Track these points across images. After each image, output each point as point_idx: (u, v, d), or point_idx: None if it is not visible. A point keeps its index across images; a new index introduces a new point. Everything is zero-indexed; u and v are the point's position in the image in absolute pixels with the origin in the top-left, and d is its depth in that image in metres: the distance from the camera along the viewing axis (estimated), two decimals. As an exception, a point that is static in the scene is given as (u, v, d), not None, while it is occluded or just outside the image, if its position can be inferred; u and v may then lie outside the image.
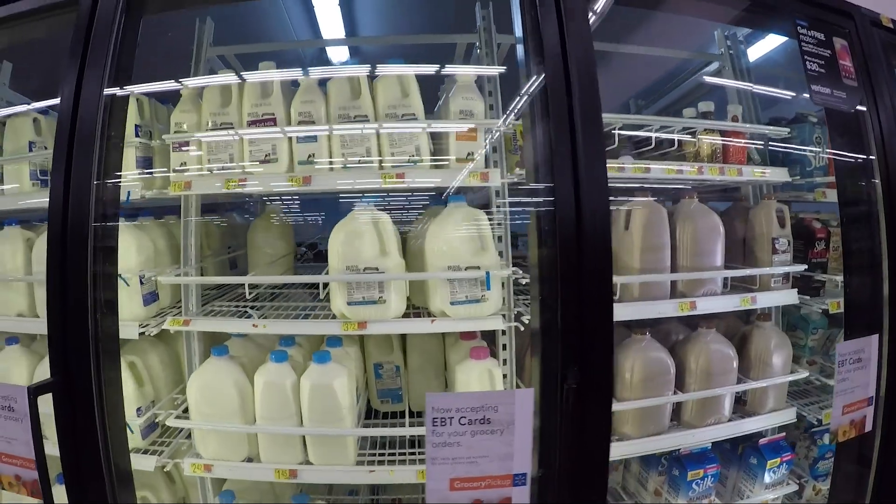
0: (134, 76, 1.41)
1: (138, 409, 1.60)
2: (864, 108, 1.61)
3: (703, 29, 2.15)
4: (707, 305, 1.66)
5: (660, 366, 1.63)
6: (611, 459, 1.61)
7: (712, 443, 1.89)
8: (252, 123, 1.58)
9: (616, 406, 1.57)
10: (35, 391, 1.15)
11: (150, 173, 1.67)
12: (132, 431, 1.56)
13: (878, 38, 1.73)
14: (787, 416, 1.81)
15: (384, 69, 1.58)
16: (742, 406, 1.83)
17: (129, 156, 1.62)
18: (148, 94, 1.74)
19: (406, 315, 1.59)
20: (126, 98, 1.37)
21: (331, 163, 1.57)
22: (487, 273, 1.48)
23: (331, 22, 2.59)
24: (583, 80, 1.20)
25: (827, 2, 1.67)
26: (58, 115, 1.25)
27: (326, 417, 1.51)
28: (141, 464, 1.56)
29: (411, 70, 1.57)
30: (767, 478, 1.78)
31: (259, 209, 2.26)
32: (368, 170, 1.55)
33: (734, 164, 1.78)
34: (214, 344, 1.62)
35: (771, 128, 1.84)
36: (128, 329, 1.53)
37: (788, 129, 1.85)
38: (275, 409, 1.52)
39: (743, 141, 1.80)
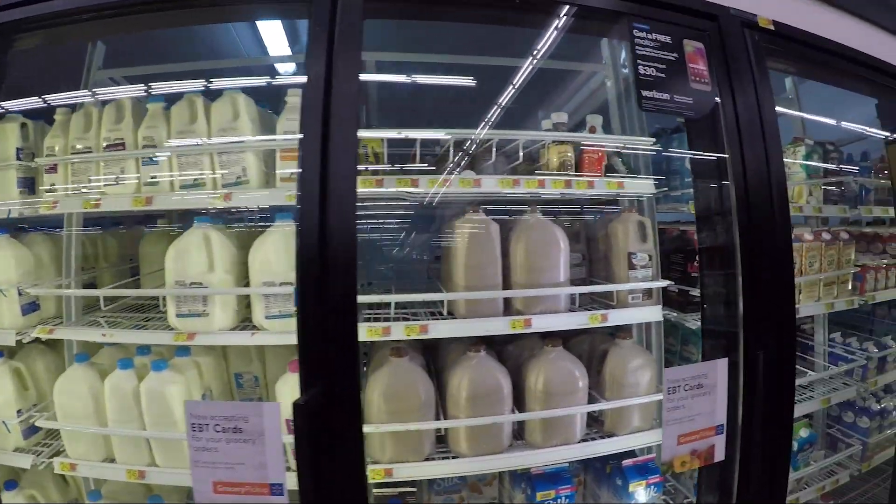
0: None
1: (18, 411, 1.77)
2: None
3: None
4: (545, 323, 1.58)
5: (490, 384, 1.57)
6: (439, 476, 1.61)
7: (582, 461, 1.82)
8: (107, 147, 1.70)
9: (439, 424, 1.54)
10: (305, 407, 1.07)
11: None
12: (9, 431, 1.73)
13: (751, 40, 1.56)
14: (654, 437, 1.68)
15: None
16: (602, 427, 1.72)
17: (11, 176, 1.79)
18: (34, 117, 1.89)
19: (247, 328, 1.65)
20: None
21: (171, 184, 1.66)
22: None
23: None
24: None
25: (687, 4, 1.53)
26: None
27: (162, 421, 1.60)
28: (18, 461, 1.71)
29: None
30: (632, 500, 1.67)
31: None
32: (201, 190, 1.62)
33: (587, 175, 1.68)
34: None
35: (632, 138, 1.71)
36: (5, 336, 1.70)
37: (654, 139, 1.72)
38: (122, 412, 1.63)
39: (600, 152, 1.68)
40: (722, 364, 1.38)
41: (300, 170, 1.18)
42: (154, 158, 1.65)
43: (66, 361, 1.87)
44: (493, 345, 1.89)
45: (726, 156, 1.44)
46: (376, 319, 1.57)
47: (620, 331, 1.74)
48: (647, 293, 1.71)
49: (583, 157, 1.69)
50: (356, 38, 1.22)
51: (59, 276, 1.90)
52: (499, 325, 1.55)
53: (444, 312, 1.59)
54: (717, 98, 1.46)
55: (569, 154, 1.67)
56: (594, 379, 1.74)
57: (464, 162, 1.73)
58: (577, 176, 1.63)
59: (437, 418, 1.57)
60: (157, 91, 1.71)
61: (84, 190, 1.70)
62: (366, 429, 1.48)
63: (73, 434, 1.70)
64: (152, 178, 1.66)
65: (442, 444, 1.63)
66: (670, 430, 1.34)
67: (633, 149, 1.82)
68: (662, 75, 1.45)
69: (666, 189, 1.80)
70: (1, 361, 1.76)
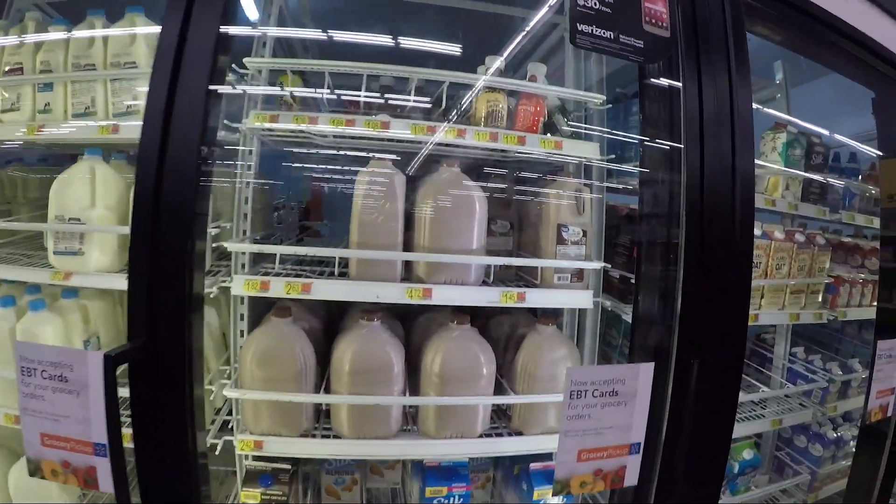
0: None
1: None
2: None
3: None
4: (447, 295, 1.37)
5: (378, 359, 1.35)
6: (313, 456, 1.43)
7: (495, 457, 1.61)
8: (7, 73, 1.58)
9: (294, 397, 1.32)
10: (115, 360, 0.92)
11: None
12: None
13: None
14: None
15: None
16: (510, 422, 1.51)
17: None
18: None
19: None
20: None
21: (64, 112, 1.52)
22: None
23: None
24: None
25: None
26: None
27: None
28: None
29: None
30: None
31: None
32: (91, 120, 1.48)
33: (518, 131, 1.47)
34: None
35: (578, 92, 1.50)
36: None
37: (603, 98, 1.51)
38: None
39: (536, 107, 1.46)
40: (646, 370, 1.09)
41: (147, 95, 1.02)
42: (48, 84, 1.52)
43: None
44: (408, 316, 1.71)
45: (680, 145, 1.18)
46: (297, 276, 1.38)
47: (545, 315, 1.53)
48: (578, 275, 1.49)
49: (518, 111, 1.48)
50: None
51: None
52: (392, 292, 1.35)
53: (336, 272, 1.41)
54: (676, 47, 1.24)
55: (500, 104, 1.45)
56: (507, 366, 1.54)
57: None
58: (504, 130, 1.43)
59: (319, 391, 1.40)
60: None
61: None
62: (229, 393, 1.33)
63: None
64: (46, 105, 1.54)
65: (327, 420, 1.44)
66: (568, 443, 1.07)
67: (578, 105, 1.60)
68: (608, 10, 1.23)
69: (617, 161, 1.57)
70: None
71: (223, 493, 1.66)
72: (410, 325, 1.65)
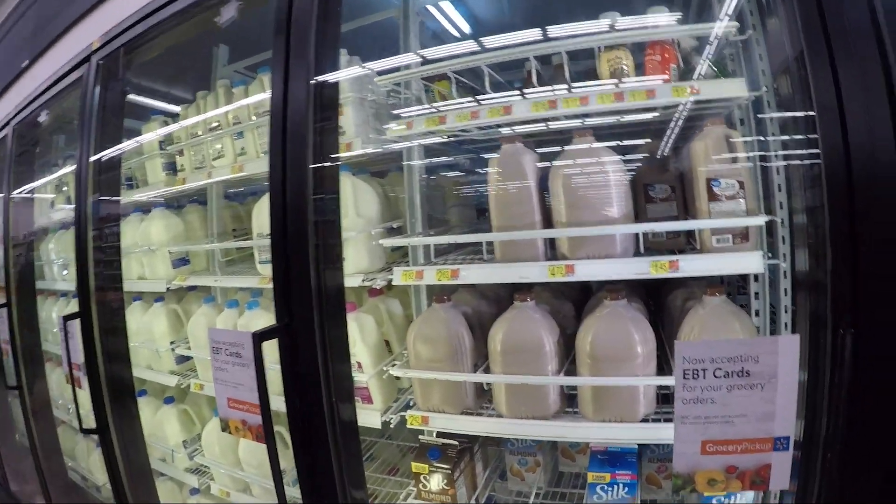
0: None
1: (171, 342, 2.20)
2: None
3: None
4: (591, 270, 1.28)
5: (529, 339, 1.33)
6: (473, 433, 1.47)
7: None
8: (210, 130, 1.98)
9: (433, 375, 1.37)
10: (260, 337, 1.12)
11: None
12: (160, 356, 2.17)
13: None
14: None
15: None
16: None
17: (157, 163, 2.23)
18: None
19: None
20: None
21: (256, 152, 1.85)
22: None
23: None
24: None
25: None
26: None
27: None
28: (167, 381, 2.11)
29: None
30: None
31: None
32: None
33: (640, 82, 1.28)
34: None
35: (706, 25, 1.25)
36: (159, 284, 2.14)
37: (737, 25, 1.22)
38: None
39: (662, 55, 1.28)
40: (788, 345, 0.85)
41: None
42: (240, 133, 1.87)
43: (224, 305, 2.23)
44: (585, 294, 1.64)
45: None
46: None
47: (710, 286, 1.32)
48: (742, 234, 1.25)
49: (646, 64, 1.31)
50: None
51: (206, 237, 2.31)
52: (535, 272, 1.30)
53: (485, 256, 1.42)
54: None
55: (622, 61, 1.31)
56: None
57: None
58: (629, 86, 1.27)
59: (477, 371, 1.43)
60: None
61: (200, 166, 2.03)
62: (395, 371, 1.45)
63: (202, 360, 2.04)
64: (242, 149, 1.89)
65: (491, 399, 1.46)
66: (687, 431, 0.88)
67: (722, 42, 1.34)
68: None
69: (771, 96, 1.28)
70: (160, 304, 2.22)
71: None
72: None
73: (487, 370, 1.40)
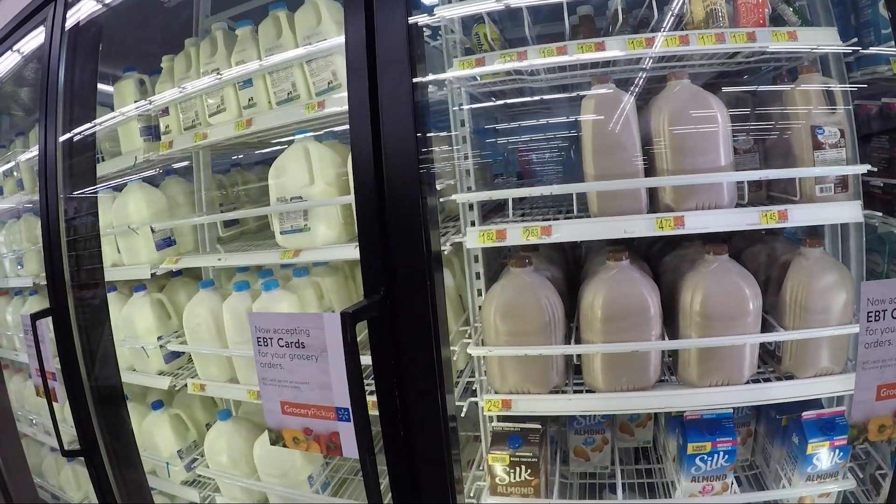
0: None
1: (159, 338, 1.80)
2: None
3: None
4: (701, 222, 1.14)
5: (632, 302, 1.17)
6: (563, 413, 1.30)
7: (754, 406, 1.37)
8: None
9: (543, 349, 1.19)
10: (353, 317, 0.85)
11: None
12: (147, 356, 1.79)
13: None
14: (847, 383, 1.16)
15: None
16: (779, 365, 1.24)
17: (134, 127, 1.82)
18: (153, 73, 1.86)
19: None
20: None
21: (268, 103, 1.52)
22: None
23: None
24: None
25: None
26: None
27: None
28: (158, 383, 1.74)
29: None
30: (809, 466, 1.18)
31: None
32: (295, 104, 1.46)
33: (745, 27, 1.18)
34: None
35: None
36: (141, 270, 1.75)
37: None
38: (239, 333, 1.54)
39: None
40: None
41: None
42: (247, 81, 1.54)
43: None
44: (651, 255, 1.51)
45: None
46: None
47: (809, 237, 1.23)
48: (842, 183, 1.18)
49: (739, 8, 1.20)
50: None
51: (190, 213, 1.93)
52: (640, 226, 1.15)
53: (575, 210, 1.23)
54: None
55: (717, 3, 1.19)
56: (771, 301, 1.26)
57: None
58: (730, 29, 1.15)
59: (569, 342, 1.25)
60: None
61: (192, 125, 1.67)
62: (474, 351, 1.24)
63: (201, 356, 1.68)
64: (250, 100, 1.55)
65: (578, 374, 1.29)
66: (867, 377, 0.82)
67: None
68: None
69: (856, 47, 1.23)
70: (142, 294, 1.82)
71: (464, 459, 1.61)
72: (656, 264, 1.43)
73: (578, 340, 1.23)
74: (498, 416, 1.36)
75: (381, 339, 0.94)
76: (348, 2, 0.99)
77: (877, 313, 0.80)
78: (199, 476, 1.80)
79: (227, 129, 1.56)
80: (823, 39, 1.18)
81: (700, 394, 1.20)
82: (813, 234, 1.29)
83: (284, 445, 0.99)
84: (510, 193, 1.26)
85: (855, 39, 1.23)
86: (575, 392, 1.26)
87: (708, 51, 1.19)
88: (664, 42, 1.15)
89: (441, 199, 1.29)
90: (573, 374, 1.31)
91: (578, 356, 1.24)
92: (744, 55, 1.29)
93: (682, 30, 1.23)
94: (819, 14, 1.33)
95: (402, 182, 0.95)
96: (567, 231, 1.17)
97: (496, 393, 1.27)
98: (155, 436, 1.82)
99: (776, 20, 1.27)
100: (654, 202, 1.20)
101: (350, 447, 0.91)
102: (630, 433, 1.59)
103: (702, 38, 1.15)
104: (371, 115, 0.96)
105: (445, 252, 1.29)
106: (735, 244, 1.44)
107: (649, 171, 1.19)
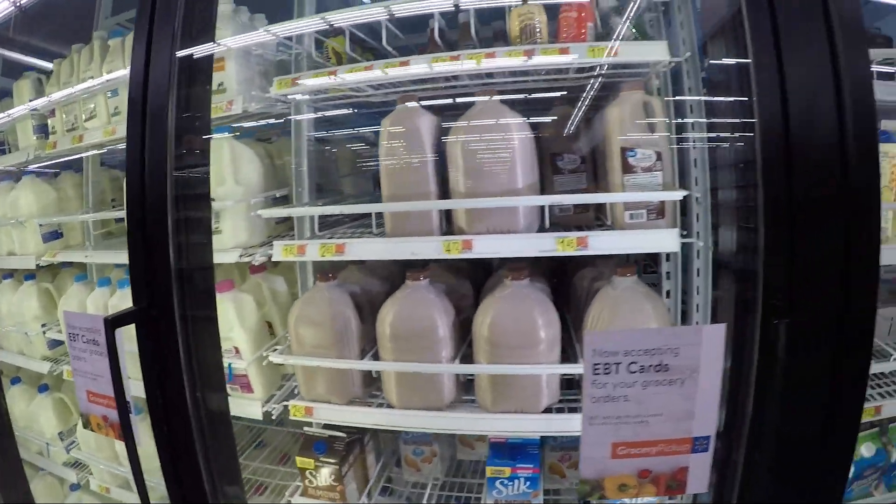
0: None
1: (43, 325, 1.84)
2: None
3: None
4: (490, 247, 1.10)
5: (420, 322, 1.14)
6: (361, 425, 1.28)
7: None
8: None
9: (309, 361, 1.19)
10: (113, 322, 0.89)
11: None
12: (31, 341, 1.83)
13: None
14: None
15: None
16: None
17: (28, 125, 1.85)
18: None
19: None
20: None
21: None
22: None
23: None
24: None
25: None
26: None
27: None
28: (40, 367, 1.78)
29: None
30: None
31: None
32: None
33: (565, 41, 1.12)
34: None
35: None
36: (27, 260, 1.78)
37: None
38: None
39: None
40: (713, 335, 0.71)
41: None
42: (115, 91, 1.55)
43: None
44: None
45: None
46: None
47: (623, 265, 1.17)
48: (658, 210, 1.11)
49: (560, 22, 1.14)
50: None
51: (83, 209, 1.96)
52: (428, 248, 1.11)
53: (374, 230, 1.21)
54: None
55: (534, 17, 1.13)
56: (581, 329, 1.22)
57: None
58: (542, 44, 1.10)
59: (364, 357, 1.23)
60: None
61: (72, 128, 1.69)
62: (273, 358, 1.23)
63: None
64: (116, 108, 1.57)
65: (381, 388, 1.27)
66: (596, 434, 0.74)
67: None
68: None
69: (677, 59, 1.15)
70: (31, 283, 1.86)
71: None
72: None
73: (377, 356, 1.21)
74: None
75: (145, 345, 0.97)
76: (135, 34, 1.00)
77: (606, 366, 0.73)
78: (78, 459, 1.84)
79: (98, 135, 1.58)
80: (648, 55, 1.10)
81: (490, 419, 1.16)
82: (627, 261, 1.23)
83: (92, 429, 1.03)
84: (301, 212, 1.27)
85: (689, 54, 1.17)
86: (378, 406, 1.24)
87: (516, 67, 1.15)
88: (468, 58, 1.11)
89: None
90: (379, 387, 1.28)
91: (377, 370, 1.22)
92: (574, 70, 1.21)
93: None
94: (664, 31, 1.27)
95: (155, 201, 0.96)
96: (358, 250, 1.15)
97: (303, 400, 1.26)
98: (40, 417, 1.87)
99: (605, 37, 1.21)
100: (449, 224, 1.16)
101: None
102: (471, 446, 1.55)
103: (510, 53, 1.10)
104: (140, 139, 0.98)
105: (258, 262, 1.28)
106: (574, 268, 1.39)
107: (446, 192, 1.15)
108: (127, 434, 0.93)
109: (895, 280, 1.66)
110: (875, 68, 1.28)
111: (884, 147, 1.23)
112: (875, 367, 1.20)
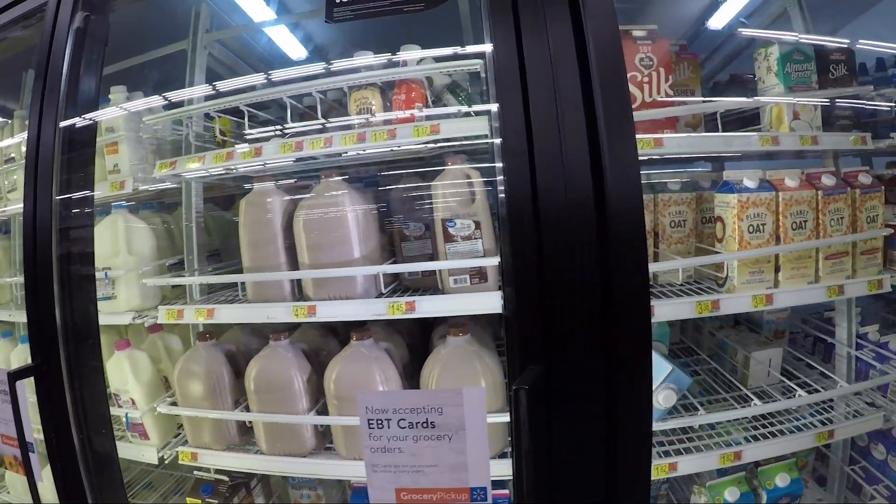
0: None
1: None
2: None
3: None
4: (332, 311, 1.23)
5: (280, 378, 1.27)
6: (235, 470, 1.40)
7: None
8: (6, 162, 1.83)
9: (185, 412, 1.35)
10: (14, 375, 1.07)
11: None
12: None
13: None
14: (503, 468, 1.16)
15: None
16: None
17: None
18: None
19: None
20: None
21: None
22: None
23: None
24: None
25: None
26: None
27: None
28: None
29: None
30: None
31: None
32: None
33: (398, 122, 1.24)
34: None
35: (449, 65, 1.20)
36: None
37: (479, 62, 1.18)
38: None
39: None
40: (474, 397, 0.81)
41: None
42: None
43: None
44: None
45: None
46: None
47: (454, 324, 1.26)
48: (480, 274, 1.22)
49: (393, 103, 1.27)
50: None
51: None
52: (280, 312, 1.25)
53: (240, 295, 1.36)
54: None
55: (369, 100, 1.27)
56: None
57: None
58: (372, 127, 1.22)
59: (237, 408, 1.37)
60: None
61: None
62: (161, 409, 1.39)
63: None
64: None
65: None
66: (379, 479, 0.85)
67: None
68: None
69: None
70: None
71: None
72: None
73: (249, 408, 1.34)
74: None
75: (41, 395, 1.16)
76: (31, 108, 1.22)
77: (379, 421, 0.85)
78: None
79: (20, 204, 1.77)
80: (467, 130, 1.18)
81: (344, 465, 1.28)
82: (463, 321, 1.31)
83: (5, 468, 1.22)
84: (180, 281, 1.43)
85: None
86: (254, 452, 1.37)
87: (351, 150, 1.27)
88: (310, 145, 1.24)
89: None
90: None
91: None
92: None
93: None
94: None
95: (40, 266, 1.17)
96: (225, 314, 1.30)
97: (190, 446, 1.40)
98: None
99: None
100: (302, 290, 1.30)
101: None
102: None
103: (344, 139, 1.23)
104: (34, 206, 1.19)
105: (149, 325, 1.44)
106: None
107: (296, 262, 1.28)
108: (28, 470, 1.12)
109: (779, 320, 1.71)
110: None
111: (725, 197, 1.30)
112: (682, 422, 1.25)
